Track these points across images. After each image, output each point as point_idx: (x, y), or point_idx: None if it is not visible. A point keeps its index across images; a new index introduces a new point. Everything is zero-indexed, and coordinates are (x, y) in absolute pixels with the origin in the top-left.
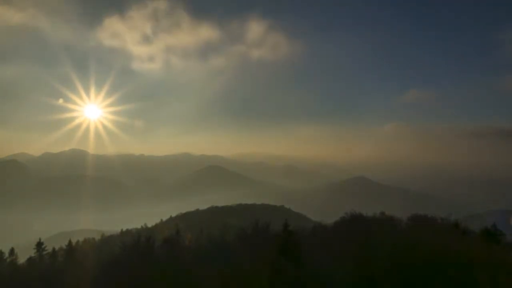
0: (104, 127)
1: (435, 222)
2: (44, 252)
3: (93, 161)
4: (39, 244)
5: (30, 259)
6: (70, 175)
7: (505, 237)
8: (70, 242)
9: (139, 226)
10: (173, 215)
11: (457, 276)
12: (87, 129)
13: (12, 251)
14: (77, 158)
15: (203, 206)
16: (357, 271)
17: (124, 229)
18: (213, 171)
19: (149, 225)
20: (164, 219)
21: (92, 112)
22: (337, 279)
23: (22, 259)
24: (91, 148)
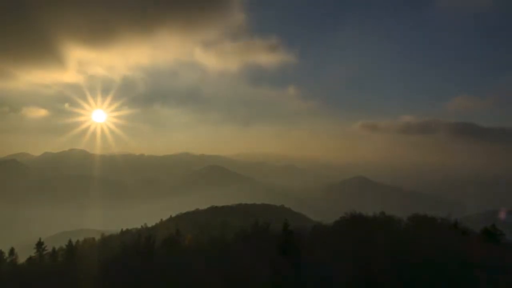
0: (105, 127)
1: (435, 222)
2: (44, 252)
3: (93, 161)
4: (39, 244)
5: (30, 259)
6: (70, 175)
7: (504, 237)
8: (70, 242)
9: (139, 226)
10: (173, 215)
11: (457, 276)
12: (87, 130)
13: (12, 251)
14: (77, 158)
15: (203, 206)
16: (357, 271)
17: (124, 229)
18: (213, 171)
19: (149, 225)
20: (164, 219)
21: (92, 112)
22: (337, 279)
23: (22, 259)
24: (91, 148)
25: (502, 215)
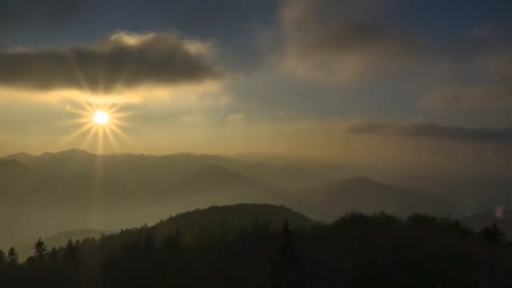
0: (105, 128)
1: (435, 222)
2: (44, 252)
3: (93, 161)
4: (39, 244)
5: (30, 259)
6: (70, 175)
7: (505, 237)
8: (70, 242)
9: (139, 226)
10: (173, 215)
11: (457, 276)
12: (87, 130)
13: (12, 251)
14: (77, 158)
15: (203, 206)
16: (357, 271)
17: (124, 229)
18: (213, 171)
19: (149, 225)
20: (164, 219)
21: (93, 112)
22: (337, 279)
23: (22, 259)
24: (91, 148)
25: (498, 213)
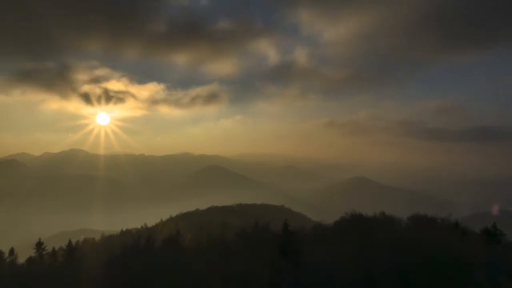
0: (106, 128)
1: (435, 222)
2: (44, 252)
3: (93, 161)
4: (39, 244)
5: (30, 259)
6: (70, 175)
7: (505, 237)
8: (70, 242)
9: (139, 226)
10: (173, 215)
11: (457, 276)
12: (87, 130)
13: (12, 251)
14: (77, 158)
15: (203, 206)
16: (357, 271)
17: (124, 229)
18: (213, 171)
19: (149, 225)
20: (164, 219)
21: (95, 114)
22: (337, 279)
23: (22, 259)
24: (91, 148)
25: (494, 211)
